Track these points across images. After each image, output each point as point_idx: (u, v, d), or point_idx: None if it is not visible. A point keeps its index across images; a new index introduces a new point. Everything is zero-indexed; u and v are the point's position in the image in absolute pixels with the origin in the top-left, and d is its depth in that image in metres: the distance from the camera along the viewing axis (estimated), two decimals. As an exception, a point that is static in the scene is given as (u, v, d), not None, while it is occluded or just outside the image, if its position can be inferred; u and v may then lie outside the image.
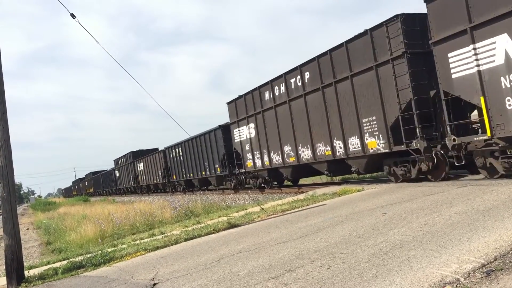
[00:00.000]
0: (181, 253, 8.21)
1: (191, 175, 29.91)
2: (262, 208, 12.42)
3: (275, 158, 18.93)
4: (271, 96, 18.54)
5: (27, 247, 16.77)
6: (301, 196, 14.51)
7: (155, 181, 39.39)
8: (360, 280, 4.69)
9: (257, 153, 20.40)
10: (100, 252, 9.69)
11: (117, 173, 56.22)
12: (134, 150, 47.94)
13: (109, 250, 10.01)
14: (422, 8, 11.34)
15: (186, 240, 9.61)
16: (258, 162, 20.40)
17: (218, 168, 25.36)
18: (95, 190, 75.38)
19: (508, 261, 4.52)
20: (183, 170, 31.24)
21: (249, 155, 21.17)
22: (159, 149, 39.08)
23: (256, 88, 19.70)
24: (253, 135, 20.50)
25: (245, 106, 20.81)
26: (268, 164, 19.51)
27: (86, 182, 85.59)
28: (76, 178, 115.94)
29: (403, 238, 6.15)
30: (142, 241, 10.87)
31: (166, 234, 11.08)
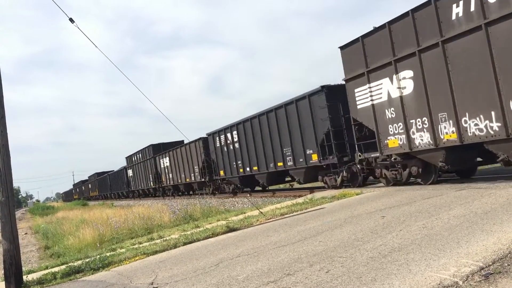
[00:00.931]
0: (180, 257, 8.20)
1: (254, 168, 21.02)
2: (261, 212, 12.42)
3: (475, 125, 10.33)
4: (474, 8, 9.96)
5: (25, 251, 16.74)
6: (300, 200, 14.52)
7: (187, 179, 30.05)
8: (359, 283, 4.70)
9: (416, 123, 11.93)
10: (98, 256, 9.67)
11: (130, 172, 46.73)
12: (155, 143, 38.85)
13: (108, 254, 10.00)
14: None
15: (185, 244, 9.60)
16: (420, 138, 11.89)
17: (314, 155, 16.62)
18: (101, 193, 66.24)
19: (506, 264, 4.53)
20: (239, 162, 22.43)
21: (393, 128, 12.63)
22: (184, 140, 30.41)
23: (427, 2, 11.07)
24: (408, 91, 12.02)
25: (390, 43, 12.22)
26: (452, 137, 10.96)
27: (90, 185, 76.56)
28: (77, 181, 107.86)
29: (402, 241, 6.16)
30: (140, 245, 10.86)
31: (164, 238, 11.07)
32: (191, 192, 33.18)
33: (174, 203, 25.72)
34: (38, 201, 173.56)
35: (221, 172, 24.86)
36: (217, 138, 24.74)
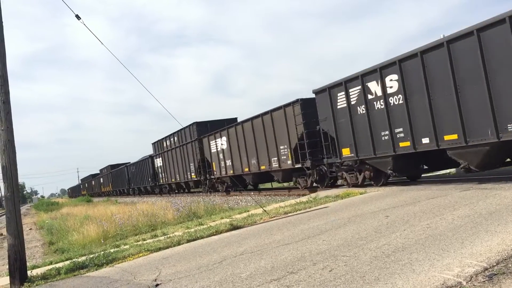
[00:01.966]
0: (184, 254, 8.23)
1: (449, 138, 11.09)
2: (265, 210, 12.43)
3: None
4: None
5: (30, 247, 16.83)
6: (304, 199, 14.51)
7: (262, 167, 20.40)
8: (362, 282, 4.70)
9: None
10: (102, 252, 9.72)
11: (158, 161, 37.04)
12: (200, 120, 28.35)
13: (112, 250, 10.04)
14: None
15: (188, 241, 9.63)
16: None
17: None
18: (116, 189, 57.24)
19: (510, 265, 4.51)
20: (397, 131, 12.69)
21: None
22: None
23: None
24: None
25: None
26: None
27: (102, 179, 67.49)
28: (86, 176, 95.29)
29: (406, 241, 6.15)
30: (144, 242, 10.90)
31: (168, 235, 11.11)
32: (275, 183, 23.24)
33: (177, 200, 25.31)
34: (42, 197, 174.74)
35: (345, 151, 14.90)
36: (342, 93, 14.43)
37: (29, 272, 8.53)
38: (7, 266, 8.77)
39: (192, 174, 29.23)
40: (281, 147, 18.72)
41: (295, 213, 11.42)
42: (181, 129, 30.28)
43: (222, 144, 24.52)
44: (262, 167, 20.51)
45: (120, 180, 54.18)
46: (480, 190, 9.57)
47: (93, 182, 78.32)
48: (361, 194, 13.00)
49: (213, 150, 25.81)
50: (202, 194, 28.06)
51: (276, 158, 19.23)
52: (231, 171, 23.78)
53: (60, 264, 9.24)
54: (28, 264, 9.11)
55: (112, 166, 59.88)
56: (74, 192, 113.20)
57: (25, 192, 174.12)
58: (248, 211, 13.92)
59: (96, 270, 8.25)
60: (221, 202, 20.88)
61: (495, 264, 4.61)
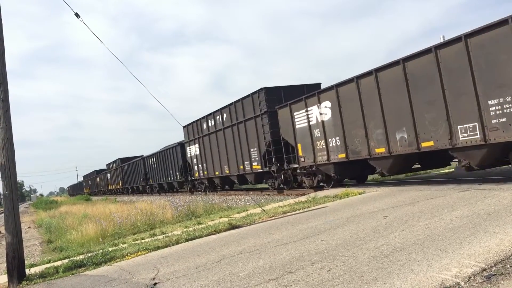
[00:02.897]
0: (182, 253, 8.22)
1: None
2: (263, 210, 12.43)
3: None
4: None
5: (28, 245, 16.81)
6: (303, 198, 14.52)
7: (427, 143, 11.57)
8: (361, 282, 4.70)
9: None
10: (101, 251, 9.72)
11: (193, 149, 28.30)
12: (269, 86, 19.54)
13: (110, 249, 10.04)
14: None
15: (187, 240, 9.63)
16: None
17: None
18: (128, 186, 49.28)
19: (508, 266, 4.52)
20: None
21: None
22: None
23: None
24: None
25: None
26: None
27: (109, 175, 59.13)
28: (89, 172, 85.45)
29: (404, 241, 6.16)
30: (143, 240, 10.90)
31: (167, 234, 11.11)
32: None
33: (176, 199, 24.72)
34: (41, 195, 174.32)
35: None
36: None
37: (27, 271, 8.52)
38: (5, 265, 8.76)
39: (254, 164, 20.68)
40: (492, 102, 9.84)
41: (293, 212, 11.42)
42: (237, 101, 21.78)
43: (321, 114, 15.96)
44: (425, 144, 11.81)
45: (133, 176, 45.42)
46: (479, 191, 9.57)
47: (98, 178, 69.31)
48: (359, 194, 13.01)
49: (300, 125, 17.23)
50: (269, 193, 20.66)
51: (470, 126, 10.48)
52: (342, 154, 15.16)
53: (59, 263, 9.24)
54: (26, 262, 9.10)
55: (123, 160, 51.22)
56: (75, 190, 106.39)
57: (23, 190, 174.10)
58: (246, 210, 13.93)
59: (94, 268, 8.24)
60: (220, 202, 20.87)
61: (493, 264, 4.61)
